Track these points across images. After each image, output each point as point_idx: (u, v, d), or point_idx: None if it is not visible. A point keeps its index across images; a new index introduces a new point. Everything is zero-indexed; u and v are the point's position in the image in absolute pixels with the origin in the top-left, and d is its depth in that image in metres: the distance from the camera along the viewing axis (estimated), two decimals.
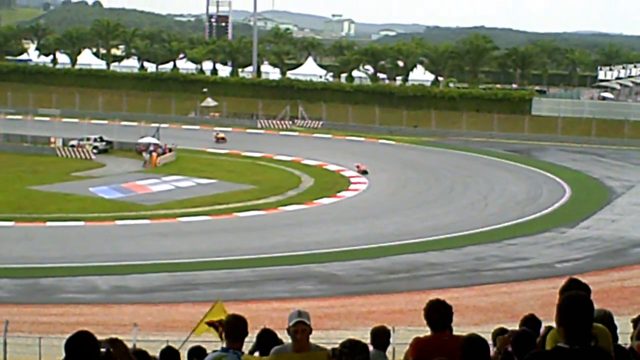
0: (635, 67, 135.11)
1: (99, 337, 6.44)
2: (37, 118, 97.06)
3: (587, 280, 7.99)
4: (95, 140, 79.71)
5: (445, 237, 49.48)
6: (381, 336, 9.53)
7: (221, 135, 78.94)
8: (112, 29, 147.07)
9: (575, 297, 5.75)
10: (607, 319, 8.03)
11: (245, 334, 8.23)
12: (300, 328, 7.92)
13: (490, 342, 10.50)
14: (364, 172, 69.61)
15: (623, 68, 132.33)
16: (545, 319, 9.44)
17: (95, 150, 78.14)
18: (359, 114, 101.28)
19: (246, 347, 9.13)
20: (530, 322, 9.54)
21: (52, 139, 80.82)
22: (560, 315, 5.66)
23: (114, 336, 6.65)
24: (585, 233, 51.24)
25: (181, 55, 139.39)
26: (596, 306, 6.26)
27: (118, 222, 52.58)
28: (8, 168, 70.78)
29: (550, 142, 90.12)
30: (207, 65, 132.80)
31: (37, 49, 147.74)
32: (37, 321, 32.43)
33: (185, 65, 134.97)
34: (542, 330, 9.14)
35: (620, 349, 7.71)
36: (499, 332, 10.27)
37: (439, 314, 7.96)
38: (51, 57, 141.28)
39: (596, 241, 49.18)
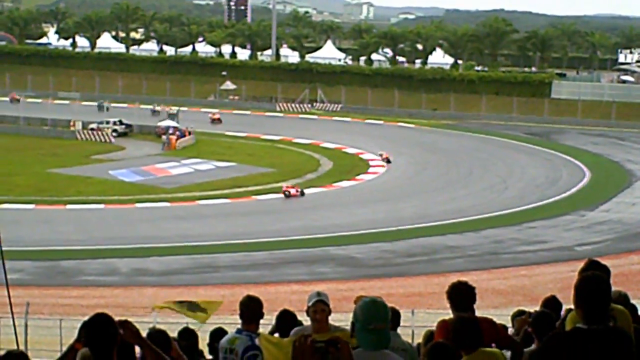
0: None
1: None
2: (57, 101, 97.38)
3: (606, 263, 7.97)
4: (114, 123, 79.99)
5: (464, 220, 49.41)
6: (392, 316, 9.53)
7: (386, 155, 69.68)
8: (132, 13, 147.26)
9: (591, 278, 5.75)
10: (623, 299, 8.02)
11: (261, 315, 8.20)
12: (320, 308, 7.88)
13: (509, 324, 10.53)
14: (388, 161, 68.22)
15: None
16: (564, 302, 9.43)
17: (114, 134, 78.37)
18: (378, 97, 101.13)
19: (266, 329, 9.16)
20: (551, 303, 9.55)
21: (72, 122, 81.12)
22: (577, 296, 5.66)
23: (123, 318, 6.67)
24: (605, 216, 51.07)
25: (200, 39, 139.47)
26: (615, 289, 6.26)
27: (138, 205, 52.79)
28: (28, 151, 71.13)
29: (570, 125, 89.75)
30: (226, 49, 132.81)
31: (56, 32, 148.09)
32: (58, 303, 32.63)
33: (204, 49, 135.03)
34: (562, 312, 9.15)
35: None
36: (518, 315, 10.30)
37: (462, 296, 7.94)
38: (71, 40, 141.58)
39: (616, 224, 49.01)
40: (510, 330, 9.85)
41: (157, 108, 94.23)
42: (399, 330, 9.78)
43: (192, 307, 14.30)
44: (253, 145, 76.46)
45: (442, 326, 7.89)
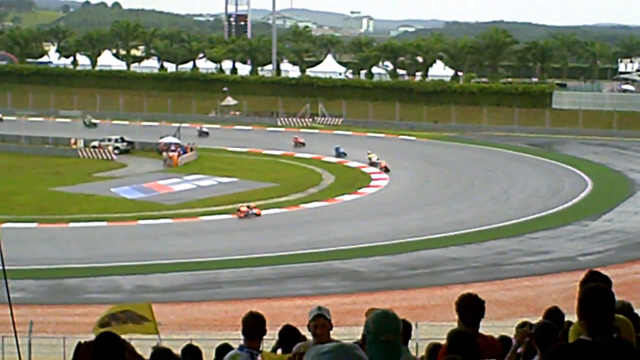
0: None
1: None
2: (58, 120, 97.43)
3: (609, 273, 7.96)
4: (116, 140, 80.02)
5: (466, 232, 49.41)
6: (403, 329, 9.41)
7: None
8: (132, 30, 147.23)
9: (595, 289, 5.71)
10: (626, 309, 7.99)
11: (263, 332, 8.16)
12: (320, 322, 7.84)
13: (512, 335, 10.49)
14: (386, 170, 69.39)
15: None
16: (568, 312, 9.42)
17: (116, 151, 78.44)
18: (379, 110, 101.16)
19: (269, 345, 9.14)
20: (554, 314, 9.50)
21: (74, 141, 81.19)
22: (582, 308, 5.61)
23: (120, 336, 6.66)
24: (608, 226, 51.06)
25: (201, 55, 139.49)
26: (617, 298, 6.23)
27: (140, 222, 52.81)
28: (30, 170, 71.18)
29: (571, 136, 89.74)
30: (227, 65, 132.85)
31: (57, 51, 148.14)
32: (62, 321, 32.60)
33: (205, 65, 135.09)
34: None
35: None
36: (522, 326, 10.26)
37: (471, 309, 7.85)
38: (71, 58, 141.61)
39: (619, 234, 49.01)
40: (513, 342, 9.82)
41: (94, 121, 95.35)
42: None
43: (132, 317, 13.43)
44: (255, 160, 76.45)
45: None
